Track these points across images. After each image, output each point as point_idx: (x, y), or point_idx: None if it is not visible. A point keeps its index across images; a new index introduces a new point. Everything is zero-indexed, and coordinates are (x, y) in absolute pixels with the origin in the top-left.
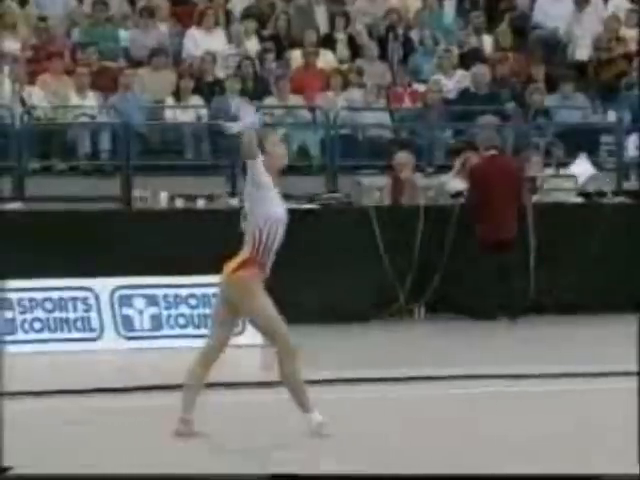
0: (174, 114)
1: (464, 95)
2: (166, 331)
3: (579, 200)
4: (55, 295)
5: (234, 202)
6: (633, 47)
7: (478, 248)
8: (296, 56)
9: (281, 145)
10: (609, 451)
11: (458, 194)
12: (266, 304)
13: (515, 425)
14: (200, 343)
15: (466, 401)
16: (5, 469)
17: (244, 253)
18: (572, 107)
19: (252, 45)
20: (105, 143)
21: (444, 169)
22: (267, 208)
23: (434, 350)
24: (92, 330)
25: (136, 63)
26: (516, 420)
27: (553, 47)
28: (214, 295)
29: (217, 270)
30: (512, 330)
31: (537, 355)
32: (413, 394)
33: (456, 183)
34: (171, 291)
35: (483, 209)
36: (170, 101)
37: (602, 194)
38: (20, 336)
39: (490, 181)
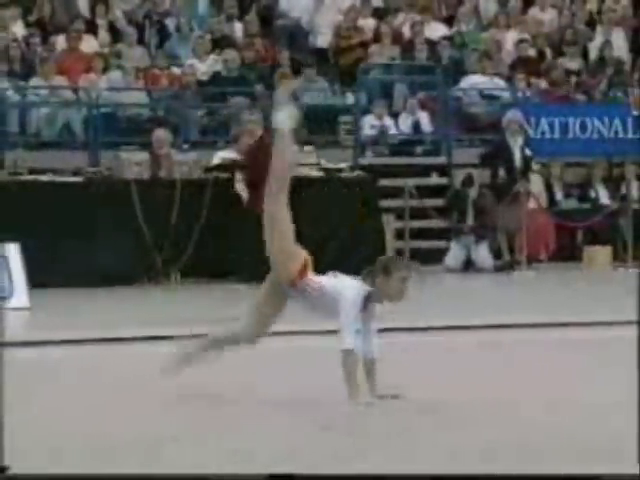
0: None
1: (216, 78)
2: None
3: (320, 174)
4: None
5: (2, 175)
6: (369, 36)
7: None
8: (60, 40)
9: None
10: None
11: (213, 169)
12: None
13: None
14: None
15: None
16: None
17: None
18: (314, 90)
19: (18, 30)
20: None
21: (198, 145)
22: None
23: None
24: None
25: None
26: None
27: (297, 35)
28: None
29: None
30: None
31: None
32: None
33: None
34: None
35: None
36: None
37: (340, 169)
38: None
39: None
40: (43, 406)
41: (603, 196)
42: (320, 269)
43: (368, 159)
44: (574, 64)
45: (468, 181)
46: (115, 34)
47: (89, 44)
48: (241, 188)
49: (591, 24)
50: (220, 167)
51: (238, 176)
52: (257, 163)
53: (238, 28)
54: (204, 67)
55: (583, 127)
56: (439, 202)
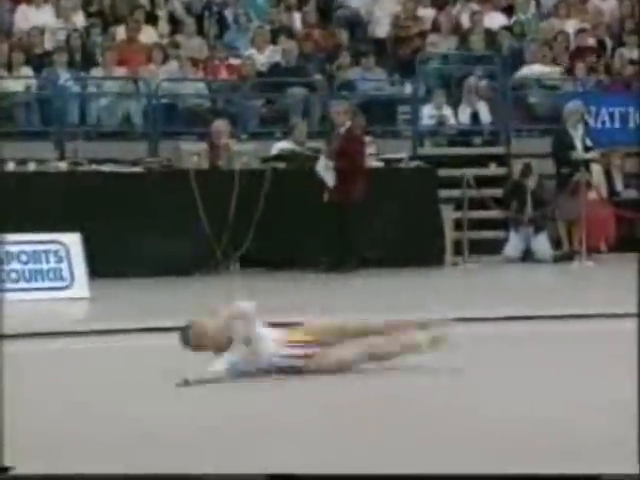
0: (6, 84)
1: (275, 68)
2: None
3: (379, 164)
4: None
5: (62, 166)
6: (428, 26)
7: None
8: (120, 31)
9: None
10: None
11: (272, 159)
12: None
13: None
14: (30, 295)
15: None
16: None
17: None
18: (372, 80)
19: (79, 20)
20: None
21: (257, 136)
22: None
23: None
24: None
25: None
26: None
27: (355, 25)
28: (44, 252)
29: (45, 228)
30: (321, 281)
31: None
32: None
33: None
34: (3, 248)
35: (350, 175)
36: (2, 72)
37: (399, 159)
38: None
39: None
40: (94, 395)
41: None
42: (378, 259)
43: (427, 149)
44: (634, 54)
45: (526, 171)
46: (174, 25)
47: (148, 35)
48: (324, 172)
49: None
50: (279, 157)
51: (322, 160)
52: (347, 153)
53: (297, 18)
54: (263, 58)
55: None
56: (498, 192)
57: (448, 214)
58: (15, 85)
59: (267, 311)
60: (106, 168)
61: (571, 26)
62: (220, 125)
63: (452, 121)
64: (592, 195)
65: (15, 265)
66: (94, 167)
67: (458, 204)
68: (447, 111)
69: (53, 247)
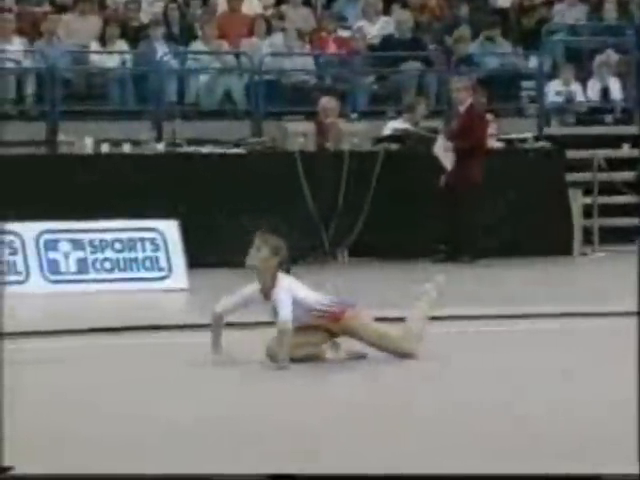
0: (100, 59)
1: (388, 41)
2: (92, 275)
3: (501, 145)
4: None
5: (160, 147)
6: None
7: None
8: (221, 1)
9: None
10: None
11: (384, 140)
12: None
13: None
14: (125, 286)
15: None
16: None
17: None
18: (494, 53)
19: None
20: (30, 88)
21: (368, 114)
22: None
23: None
24: (18, 273)
25: (61, 8)
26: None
27: None
28: (140, 239)
29: (141, 214)
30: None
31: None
32: None
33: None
34: (97, 236)
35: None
36: (95, 46)
37: (523, 140)
38: None
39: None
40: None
41: None
42: (499, 248)
43: (553, 129)
44: None
45: None
46: None
47: (251, 5)
48: (442, 153)
49: None
50: (392, 138)
51: (440, 140)
52: (469, 133)
53: None
54: (374, 29)
55: None
56: (631, 176)
57: (577, 199)
58: (109, 60)
59: (377, 306)
60: (206, 150)
61: None
62: (328, 103)
63: (581, 98)
64: None
65: (109, 254)
66: (193, 149)
67: (587, 188)
68: (575, 87)
69: (149, 235)
